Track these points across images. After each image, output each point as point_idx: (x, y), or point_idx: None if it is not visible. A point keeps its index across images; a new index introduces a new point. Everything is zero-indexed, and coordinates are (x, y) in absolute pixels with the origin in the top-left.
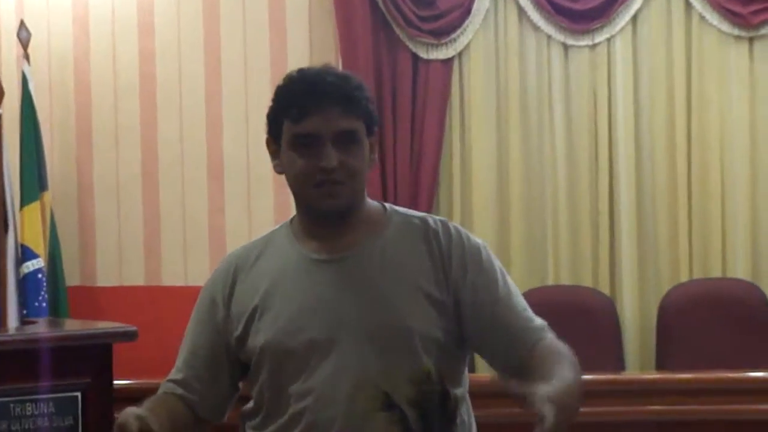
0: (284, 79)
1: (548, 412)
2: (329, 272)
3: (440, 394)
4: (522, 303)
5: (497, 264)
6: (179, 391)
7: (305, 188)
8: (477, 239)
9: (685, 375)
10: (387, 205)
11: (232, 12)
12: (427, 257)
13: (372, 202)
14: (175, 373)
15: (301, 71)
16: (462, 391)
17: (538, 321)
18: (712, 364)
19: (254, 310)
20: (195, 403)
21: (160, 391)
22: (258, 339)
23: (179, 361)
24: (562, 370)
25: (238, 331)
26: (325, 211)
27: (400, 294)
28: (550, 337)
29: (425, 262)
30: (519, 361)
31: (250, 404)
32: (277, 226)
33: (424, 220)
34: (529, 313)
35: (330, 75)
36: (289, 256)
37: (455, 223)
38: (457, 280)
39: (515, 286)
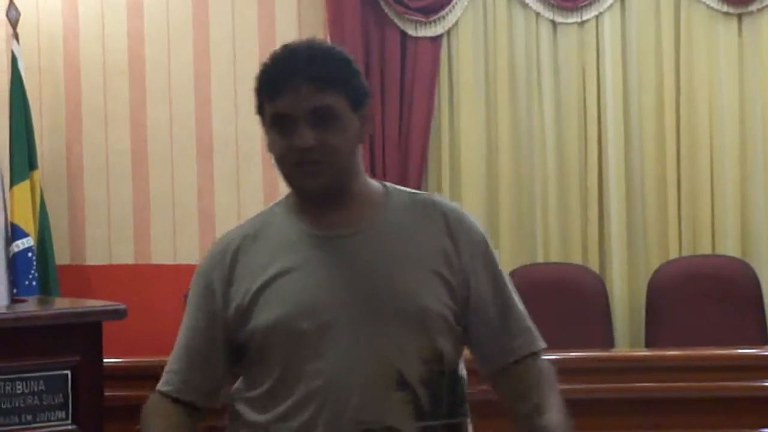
0: (269, 57)
1: None
2: (335, 249)
3: (450, 375)
4: (520, 304)
5: (497, 258)
6: (175, 394)
7: (285, 168)
8: (481, 229)
9: (674, 352)
10: (386, 183)
11: None
12: (434, 237)
13: (371, 181)
14: (171, 365)
15: (284, 47)
16: (464, 371)
17: (533, 330)
18: (701, 341)
19: (260, 289)
20: (193, 399)
21: (159, 386)
22: (264, 318)
23: (176, 350)
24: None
25: (241, 310)
26: (306, 190)
27: (411, 273)
28: (542, 359)
29: (433, 241)
30: (503, 365)
31: (248, 386)
32: (269, 206)
33: (430, 200)
34: (526, 319)
35: (308, 50)
36: (291, 232)
37: (462, 208)
38: (466, 264)
39: (512, 283)
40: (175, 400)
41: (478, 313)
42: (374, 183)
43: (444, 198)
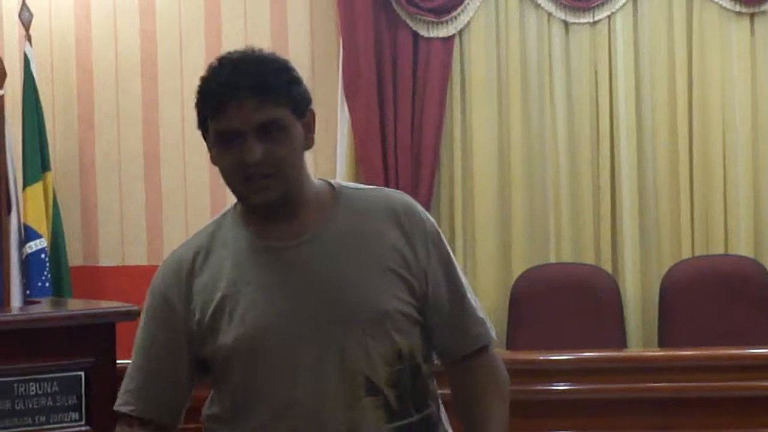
0: (207, 70)
1: None
2: (289, 260)
3: (411, 371)
4: (472, 294)
5: (450, 250)
6: (139, 414)
7: (234, 183)
8: (433, 221)
9: (687, 352)
10: (335, 182)
11: None
12: (387, 235)
13: (318, 182)
14: (129, 384)
15: (222, 60)
16: (430, 364)
17: (485, 322)
18: (714, 341)
19: (218, 306)
20: (156, 416)
21: (117, 407)
22: (227, 336)
23: (134, 368)
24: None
25: (202, 327)
26: (257, 205)
27: (367, 276)
28: (493, 352)
29: (386, 240)
30: (456, 357)
31: (216, 403)
32: (217, 216)
33: (382, 197)
34: (478, 309)
35: (246, 63)
36: (242, 245)
37: (413, 200)
38: (422, 260)
39: (464, 274)
40: (141, 423)
41: (433, 307)
42: (323, 185)
43: (396, 192)
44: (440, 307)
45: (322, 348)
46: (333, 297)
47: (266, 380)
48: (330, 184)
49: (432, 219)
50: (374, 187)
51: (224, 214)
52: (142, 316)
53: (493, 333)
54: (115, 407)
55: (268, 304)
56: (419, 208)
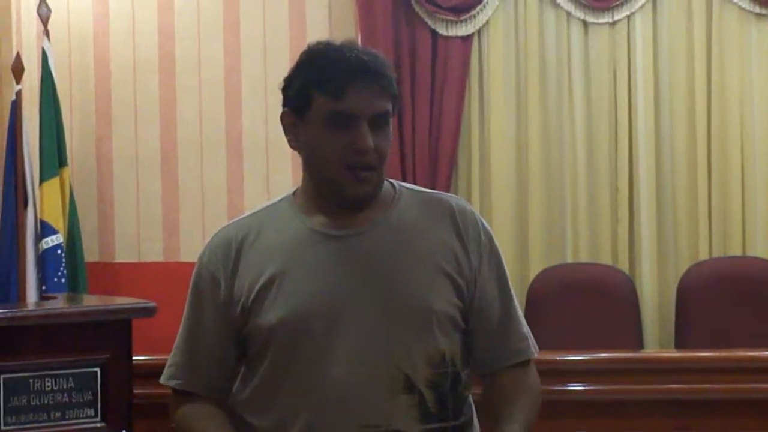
0: (311, 52)
1: None
2: (343, 248)
3: (452, 376)
4: (519, 307)
5: (503, 260)
6: (191, 389)
7: (334, 170)
8: (489, 228)
9: (704, 353)
10: (394, 182)
11: None
12: (443, 235)
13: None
14: (175, 358)
15: (328, 44)
16: (468, 372)
17: (529, 337)
18: (731, 343)
19: (265, 285)
20: (201, 390)
21: (165, 380)
22: (270, 316)
23: (179, 343)
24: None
25: (246, 306)
26: (353, 197)
27: (419, 271)
28: (532, 367)
29: (441, 239)
30: (495, 369)
31: (245, 388)
32: (272, 201)
33: (440, 198)
34: (523, 324)
35: (365, 52)
36: (297, 230)
37: (471, 205)
38: (474, 264)
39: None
40: (191, 396)
41: (481, 314)
42: (386, 184)
43: (454, 196)
44: (488, 315)
45: (363, 338)
46: (381, 289)
47: (300, 362)
48: (391, 183)
49: (488, 226)
50: (433, 190)
51: (280, 200)
52: (189, 291)
53: (534, 349)
54: (163, 381)
55: (316, 288)
56: (476, 213)
